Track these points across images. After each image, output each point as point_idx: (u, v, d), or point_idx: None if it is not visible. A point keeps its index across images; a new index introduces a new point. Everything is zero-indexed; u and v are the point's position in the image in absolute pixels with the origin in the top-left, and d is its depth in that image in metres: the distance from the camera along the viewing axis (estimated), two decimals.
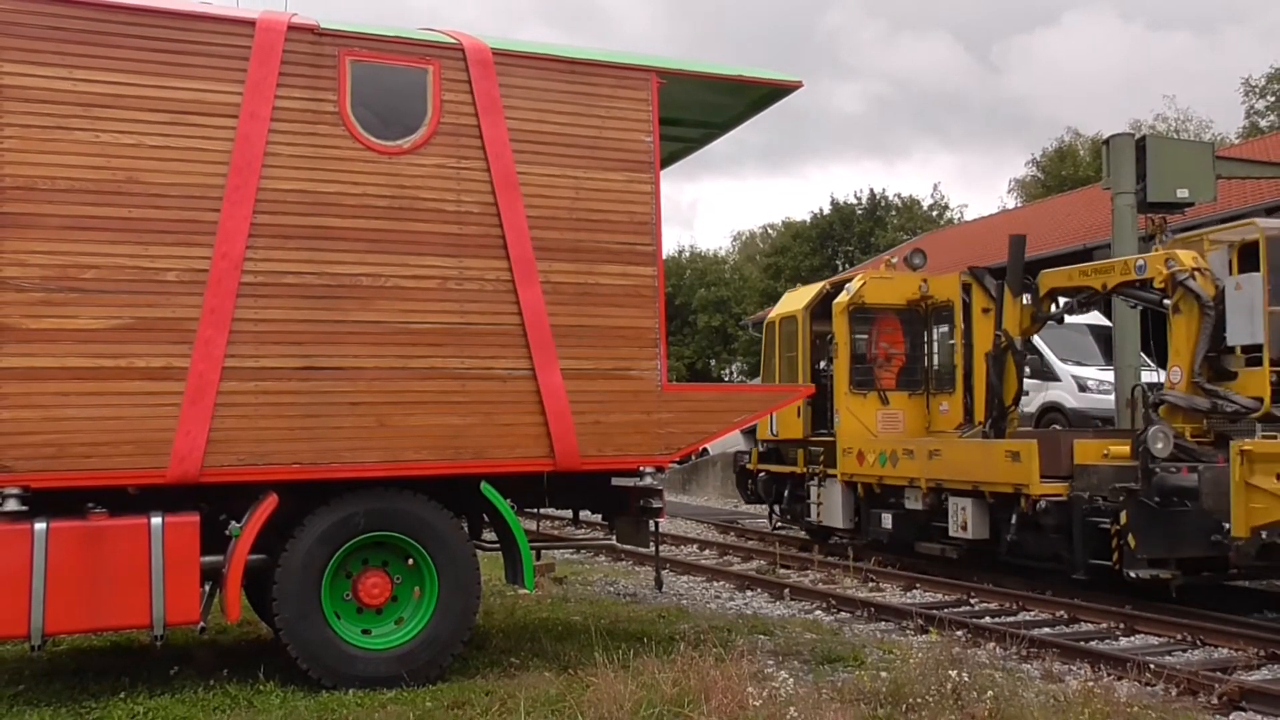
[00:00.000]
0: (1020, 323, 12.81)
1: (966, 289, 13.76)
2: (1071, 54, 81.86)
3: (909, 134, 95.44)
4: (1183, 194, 14.38)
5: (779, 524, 17.16)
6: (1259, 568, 10.16)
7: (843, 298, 14.70)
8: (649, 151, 8.07)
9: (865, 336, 14.72)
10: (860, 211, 55.46)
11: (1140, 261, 11.33)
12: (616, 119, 7.97)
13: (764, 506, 17.50)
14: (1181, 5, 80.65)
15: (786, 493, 16.45)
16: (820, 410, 15.13)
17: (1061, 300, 12.99)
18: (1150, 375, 15.13)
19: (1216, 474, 9.62)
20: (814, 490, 15.19)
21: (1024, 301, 12.93)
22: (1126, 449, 10.91)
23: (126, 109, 6.78)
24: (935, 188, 78.33)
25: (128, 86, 6.79)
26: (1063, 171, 48.43)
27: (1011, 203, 52.12)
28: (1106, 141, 15.13)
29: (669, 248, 66.26)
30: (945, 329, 14.50)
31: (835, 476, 14.57)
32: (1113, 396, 15.05)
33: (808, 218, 57.09)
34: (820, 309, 15.41)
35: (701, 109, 9.15)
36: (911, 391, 14.63)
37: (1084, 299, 12.53)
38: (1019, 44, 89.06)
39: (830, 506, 14.74)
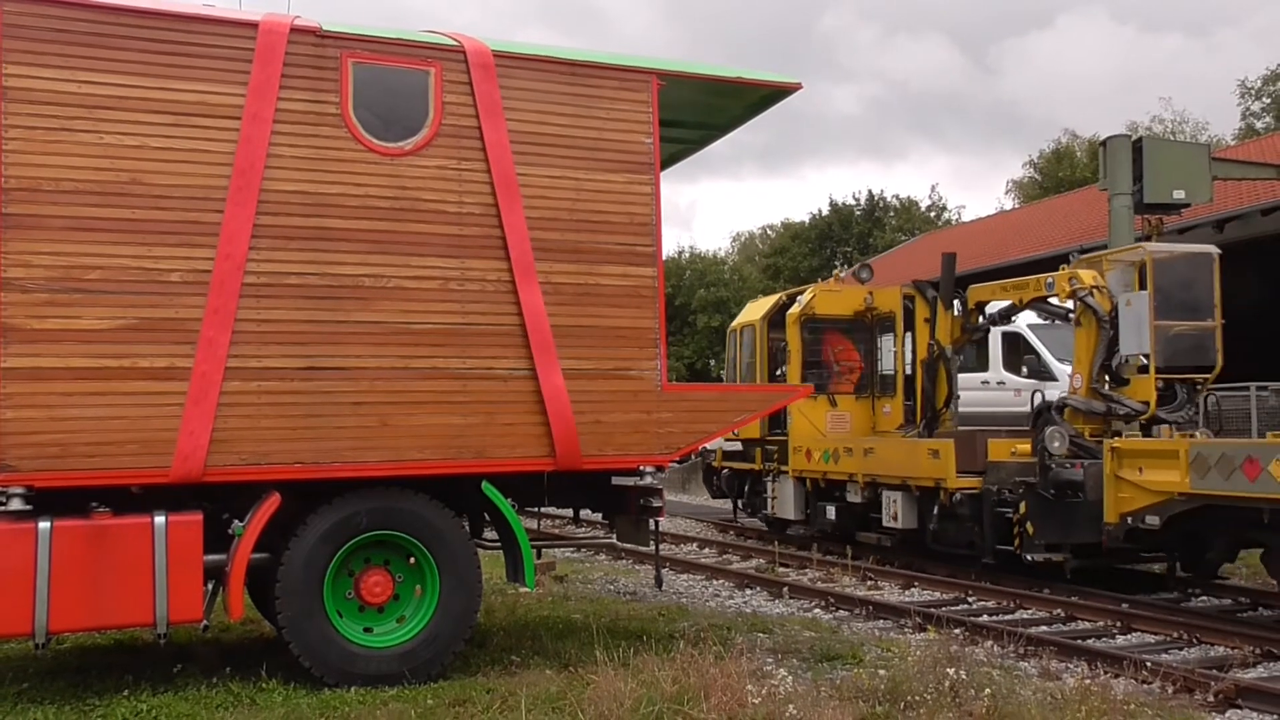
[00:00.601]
0: (951, 333, 14.09)
1: (909, 300, 15.00)
2: (1065, 56, 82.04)
3: (906, 135, 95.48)
4: (1179, 195, 14.41)
5: (743, 516, 18.68)
6: (1127, 549, 11.27)
7: (795, 309, 15.88)
8: (649, 153, 8.07)
9: (816, 344, 15.91)
10: (859, 213, 55.44)
11: (1050, 280, 12.63)
12: (617, 121, 7.98)
13: (728, 501, 19.10)
14: (1174, 8, 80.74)
15: (747, 488, 17.86)
16: (776, 412, 15.90)
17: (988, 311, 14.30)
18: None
19: (1099, 469, 10.74)
20: (770, 485, 16.58)
21: (955, 313, 14.14)
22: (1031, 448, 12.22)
23: (130, 111, 6.79)
24: (933, 189, 78.50)
25: (131, 88, 6.79)
26: (1060, 173, 48.43)
27: (1009, 204, 52.13)
28: (1103, 143, 15.16)
29: (669, 249, 66.21)
30: (889, 337, 15.72)
31: (788, 473, 15.87)
32: None
33: (806, 219, 57.08)
34: (776, 318, 16.75)
35: (701, 111, 9.15)
36: (858, 395, 15.90)
37: (1004, 311, 13.89)
38: (1013, 46, 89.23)
39: (783, 500, 16.08)
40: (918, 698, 6.51)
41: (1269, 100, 44.97)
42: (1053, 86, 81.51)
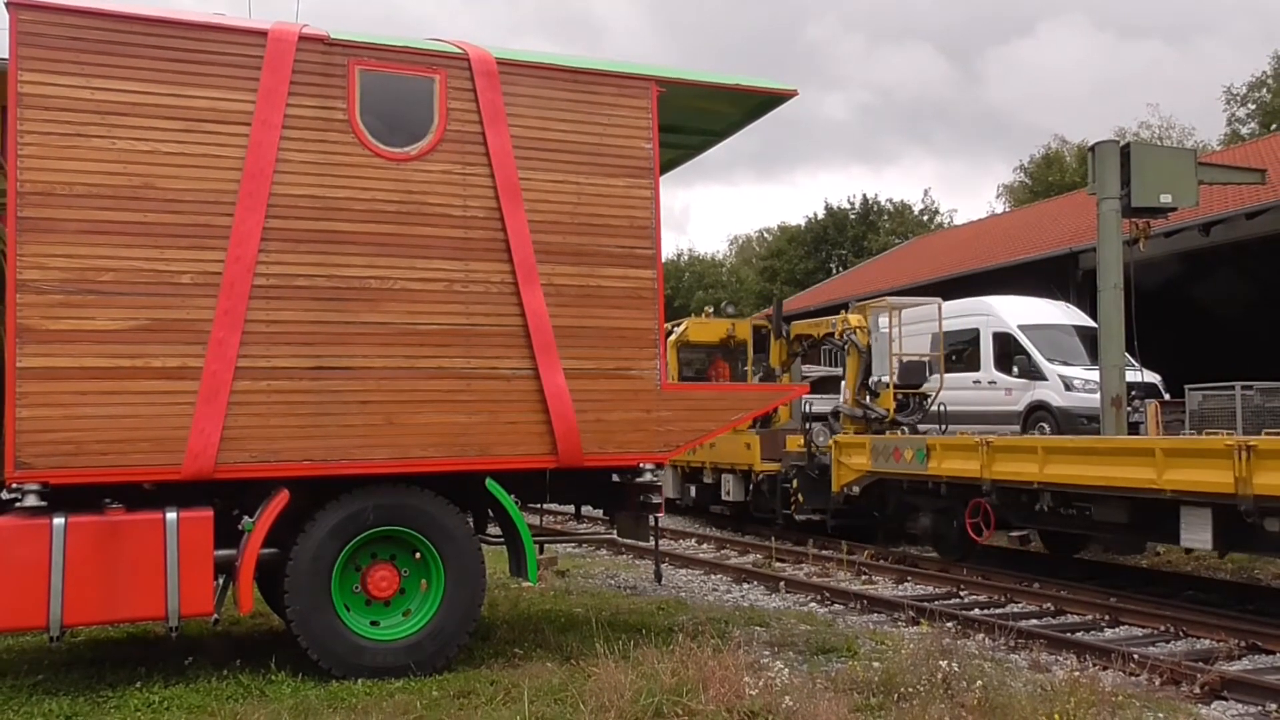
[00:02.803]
0: (780, 355, 18.43)
1: (758, 330, 19.84)
2: (1047, 63, 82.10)
3: (895, 141, 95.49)
4: (1166, 199, 14.39)
5: None
6: (846, 510, 15.55)
7: (673, 337, 19.55)
8: (649, 158, 8.08)
9: (698, 363, 19.93)
10: (853, 216, 55.45)
11: (834, 321, 17.52)
12: (617, 127, 7.98)
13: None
14: (1152, 15, 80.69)
15: None
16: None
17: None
18: (1134, 375, 15.16)
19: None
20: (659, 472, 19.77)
21: (785, 340, 18.37)
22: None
23: (143, 117, 6.79)
24: (926, 193, 78.52)
25: (144, 95, 6.79)
26: (1050, 177, 48.43)
27: (1000, 207, 52.14)
28: (1092, 148, 15.13)
29: (667, 251, 66.26)
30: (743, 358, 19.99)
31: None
32: (1098, 395, 15.07)
33: (802, 222, 57.09)
34: None
35: (699, 117, 9.16)
36: None
37: (810, 343, 18.50)
38: (997, 54, 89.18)
39: (666, 483, 17.38)
40: (911, 689, 6.51)
41: (1254, 106, 44.99)
42: (1037, 92, 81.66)
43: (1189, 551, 12.56)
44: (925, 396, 16.38)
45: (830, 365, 24.41)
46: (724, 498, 18.49)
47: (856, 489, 14.82)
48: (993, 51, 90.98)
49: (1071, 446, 11.58)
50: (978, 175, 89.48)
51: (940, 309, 17.05)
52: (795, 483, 16.29)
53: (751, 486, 17.63)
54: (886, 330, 16.61)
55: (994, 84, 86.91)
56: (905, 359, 16.49)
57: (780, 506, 16.76)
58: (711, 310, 22.18)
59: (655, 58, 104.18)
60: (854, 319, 17.00)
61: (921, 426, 16.33)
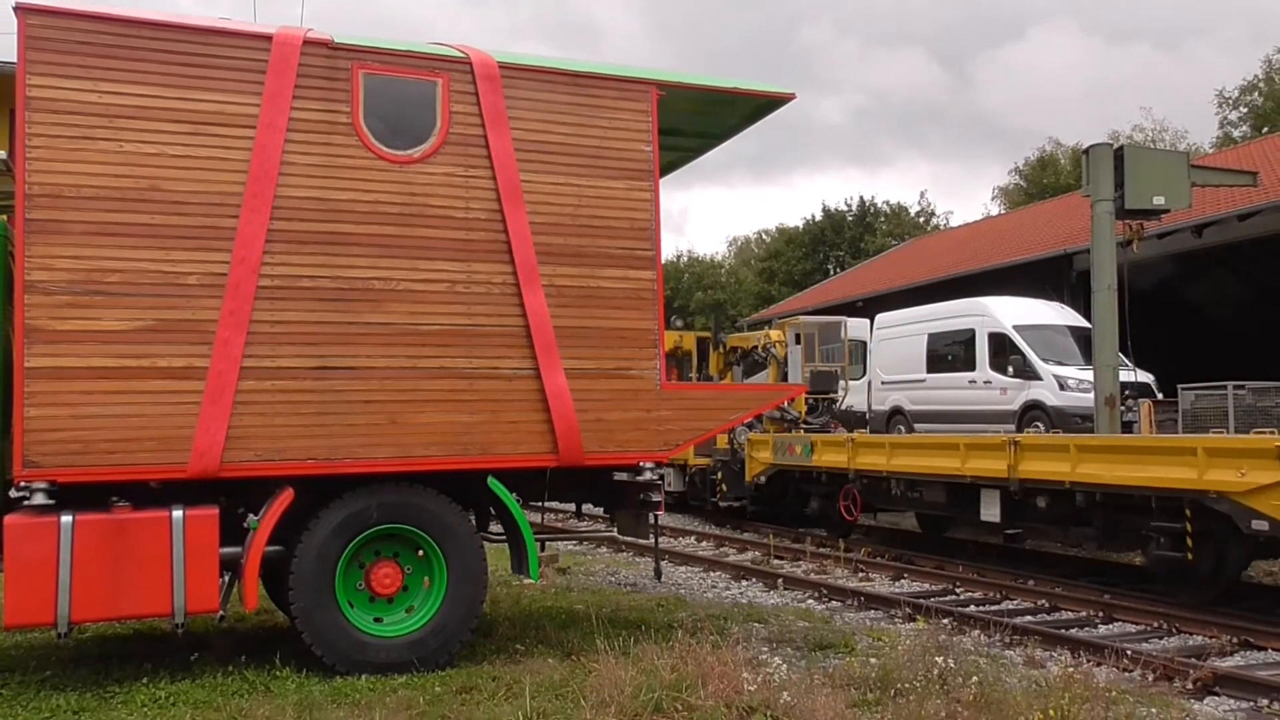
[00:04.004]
0: (717, 365, 20.87)
1: (701, 341, 21.97)
2: (1038, 67, 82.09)
3: (890, 144, 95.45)
4: (1159, 201, 14.40)
5: None
6: (762, 498, 17.99)
7: None
8: (649, 160, 8.08)
9: None
10: (850, 218, 55.44)
11: (759, 336, 20.35)
12: (618, 130, 7.98)
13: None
14: (1141, 19, 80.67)
15: None
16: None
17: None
18: (1127, 374, 15.17)
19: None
20: None
21: (722, 351, 20.86)
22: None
23: (149, 120, 6.79)
24: (922, 195, 78.41)
25: (150, 98, 6.79)
26: (1045, 179, 48.45)
27: (995, 209, 52.14)
28: (1086, 151, 15.12)
29: (667, 253, 66.25)
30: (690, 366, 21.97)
31: None
32: (1092, 395, 15.07)
33: (800, 224, 57.07)
34: None
35: (699, 120, 9.16)
36: None
37: (741, 354, 20.55)
38: (988, 58, 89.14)
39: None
40: (907, 685, 6.51)
41: (1245, 110, 44.99)
42: (1028, 96, 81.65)
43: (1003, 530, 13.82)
44: (834, 400, 19.19)
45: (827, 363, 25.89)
46: (667, 489, 19.85)
47: (764, 479, 17.33)
48: (984, 55, 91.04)
49: (909, 443, 14.58)
50: (972, 178, 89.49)
51: (845, 327, 20.64)
52: (720, 475, 18.98)
53: (688, 478, 20.31)
54: (799, 345, 19.71)
55: (986, 87, 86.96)
56: (817, 369, 19.27)
57: (709, 495, 19.51)
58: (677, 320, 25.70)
59: (651, 61, 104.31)
60: (774, 334, 20.11)
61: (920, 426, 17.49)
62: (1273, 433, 9.68)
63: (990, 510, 12.24)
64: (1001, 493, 11.82)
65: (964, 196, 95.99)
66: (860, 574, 12.94)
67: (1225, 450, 9.33)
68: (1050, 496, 11.30)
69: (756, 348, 19.90)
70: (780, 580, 12.19)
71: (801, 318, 21.08)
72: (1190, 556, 9.88)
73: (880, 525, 17.43)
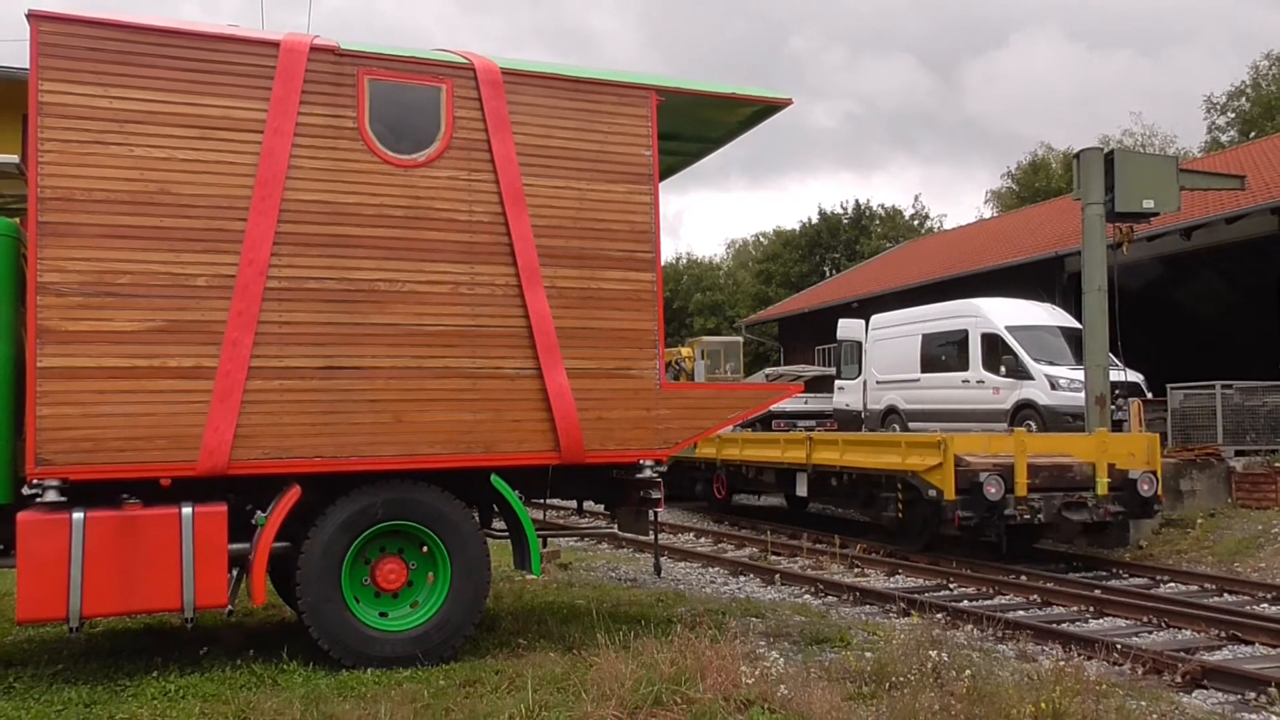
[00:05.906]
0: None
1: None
2: (1024, 72, 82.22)
3: (881, 148, 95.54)
4: (1148, 204, 14.42)
5: None
6: (667, 482, 19.16)
7: None
8: (648, 165, 8.08)
9: None
10: (846, 221, 55.45)
11: (673, 352, 25.17)
12: (618, 134, 7.98)
13: None
14: (1124, 25, 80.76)
15: None
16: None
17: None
18: (1117, 374, 15.17)
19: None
20: None
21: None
22: None
23: (159, 125, 6.79)
24: (916, 198, 78.37)
25: (160, 104, 6.79)
26: (1036, 183, 48.49)
27: (988, 212, 52.15)
28: (1077, 155, 15.15)
29: (666, 255, 66.18)
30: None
31: None
32: (1083, 394, 15.08)
33: (797, 227, 57.08)
34: None
35: (698, 125, 9.15)
36: None
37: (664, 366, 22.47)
38: (975, 64, 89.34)
39: None
40: (902, 678, 6.51)
41: (1233, 115, 45.02)
42: (1016, 101, 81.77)
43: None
44: None
45: (824, 365, 26.88)
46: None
47: (665, 467, 19.87)
48: (971, 61, 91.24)
49: (753, 439, 18.13)
50: (962, 181, 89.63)
51: (741, 345, 27.15)
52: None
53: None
54: (702, 360, 24.90)
55: (974, 93, 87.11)
56: (715, 379, 24.13)
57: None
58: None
59: (644, 68, 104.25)
60: (685, 351, 25.30)
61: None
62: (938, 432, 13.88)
63: (801, 488, 15.88)
64: (807, 474, 15.49)
65: (954, 200, 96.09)
66: (855, 569, 12.95)
67: (913, 444, 13.16)
68: (835, 476, 14.98)
69: (671, 362, 23.12)
70: (777, 576, 12.20)
71: (704, 338, 27.95)
72: (901, 515, 13.45)
73: (749, 505, 20.54)
